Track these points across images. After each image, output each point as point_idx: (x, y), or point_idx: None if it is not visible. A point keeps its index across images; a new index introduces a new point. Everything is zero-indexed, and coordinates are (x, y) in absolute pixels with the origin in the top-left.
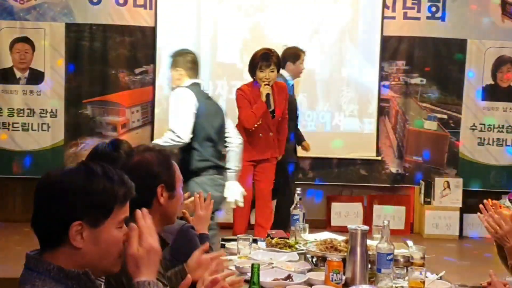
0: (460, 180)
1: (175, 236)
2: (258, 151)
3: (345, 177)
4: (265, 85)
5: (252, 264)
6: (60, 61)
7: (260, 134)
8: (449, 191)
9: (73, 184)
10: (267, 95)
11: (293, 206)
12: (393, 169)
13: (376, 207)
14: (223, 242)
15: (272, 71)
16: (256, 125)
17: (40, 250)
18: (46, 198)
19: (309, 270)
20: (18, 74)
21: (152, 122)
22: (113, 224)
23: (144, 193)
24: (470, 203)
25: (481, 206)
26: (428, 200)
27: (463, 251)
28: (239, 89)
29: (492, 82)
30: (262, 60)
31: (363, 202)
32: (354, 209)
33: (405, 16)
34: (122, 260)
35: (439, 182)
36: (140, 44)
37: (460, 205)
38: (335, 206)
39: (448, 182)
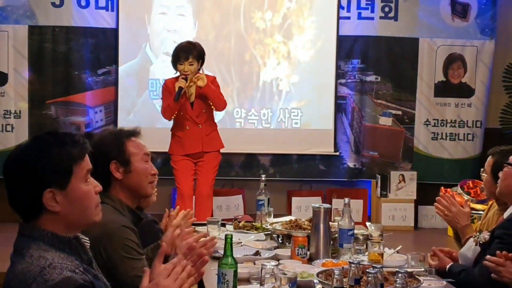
0: (415, 173)
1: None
2: (188, 144)
3: (305, 172)
4: (182, 78)
5: (225, 235)
6: (23, 63)
7: (187, 127)
8: (404, 184)
9: (31, 157)
10: (180, 89)
11: (258, 192)
12: (351, 164)
13: (334, 201)
14: (193, 226)
15: (191, 64)
16: (173, 117)
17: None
18: (11, 177)
19: (276, 248)
20: None
21: (115, 122)
22: (78, 180)
23: (100, 172)
24: (425, 196)
25: (437, 198)
26: (384, 193)
27: (418, 241)
28: (164, 81)
29: (444, 79)
30: (182, 52)
31: (322, 196)
32: (313, 203)
33: (360, 16)
34: (100, 210)
35: (394, 175)
36: (102, 46)
37: (415, 197)
38: (296, 201)
39: (403, 176)
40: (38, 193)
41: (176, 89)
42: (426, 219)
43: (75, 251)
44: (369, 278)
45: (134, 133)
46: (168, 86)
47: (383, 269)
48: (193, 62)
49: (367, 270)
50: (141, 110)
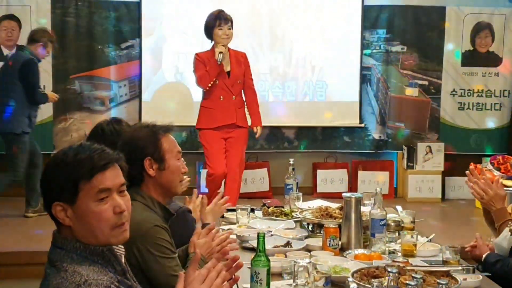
0: (442, 144)
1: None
2: (221, 116)
3: (330, 144)
4: (221, 45)
5: (258, 233)
6: None
7: (221, 97)
8: (431, 155)
9: (48, 169)
10: (221, 54)
11: (286, 176)
12: (376, 136)
13: (360, 173)
14: None
15: (229, 28)
16: (210, 85)
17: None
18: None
19: (306, 237)
20: (5, 51)
21: (139, 96)
22: (88, 198)
23: (132, 167)
24: (452, 167)
25: (467, 172)
26: (411, 164)
27: (446, 213)
28: (196, 54)
29: (471, 48)
30: (219, 18)
31: (348, 169)
32: (339, 175)
33: None
34: (124, 231)
35: (421, 147)
36: (125, 19)
37: (442, 169)
38: (321, 173)
39: (430, 147)
40: (49, 204)
41: (217, 54)
42: (453, 190)
43: (109, 263)
44: None
45: (168, 129)
46: (201, 57)
47: (420, 267)
48: (230, 27)
49: (407, 282)
50: (158, 86)
